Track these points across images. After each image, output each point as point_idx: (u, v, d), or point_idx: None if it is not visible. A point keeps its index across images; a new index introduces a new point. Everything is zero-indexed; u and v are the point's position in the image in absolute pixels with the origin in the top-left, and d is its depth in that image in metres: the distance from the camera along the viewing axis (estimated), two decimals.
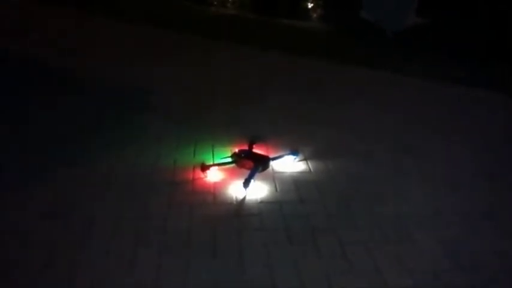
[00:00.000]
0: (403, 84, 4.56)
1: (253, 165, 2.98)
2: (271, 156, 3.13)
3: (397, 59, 5.12)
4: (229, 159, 3.07)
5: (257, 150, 3.19)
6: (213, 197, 2.79)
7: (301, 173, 3.07)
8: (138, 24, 5.92)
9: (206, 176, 2.94)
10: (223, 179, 2.94)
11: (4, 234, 2.47)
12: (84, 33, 5.60)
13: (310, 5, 6.31)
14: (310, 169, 3.11)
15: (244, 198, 2.79)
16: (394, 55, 5.21)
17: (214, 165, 3.01)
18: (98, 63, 4.72)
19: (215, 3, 6.67)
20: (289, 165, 3.12)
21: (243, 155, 3.08)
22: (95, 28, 5.78)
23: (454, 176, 3.14)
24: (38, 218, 2.59)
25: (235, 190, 2.84)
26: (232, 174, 2.97)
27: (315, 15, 6.31)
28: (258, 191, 2.85)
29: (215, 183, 2.90)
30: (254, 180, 2.88)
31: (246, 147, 3.19)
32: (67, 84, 4.24)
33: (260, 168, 2.99)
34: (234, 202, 2.76)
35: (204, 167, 2.96)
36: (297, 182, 2.97)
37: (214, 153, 3.19)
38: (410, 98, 4.29)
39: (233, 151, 3.13)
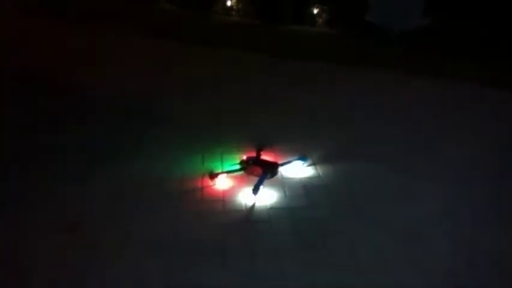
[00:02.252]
0: (411, 85, 4.55)
1: (262, 171, 2.98)
2: (279, 162, 3.14)
3: (404, 60, 5.11)
4: (238, 167, 3.08)
5: (265, 156, 3.20)
6: (222, 204, 2.80)
7: (310, 177, 3.07)
8: (141, 34, 5.94)
9: (215, 184, 2.95)
10: (232, 186, 2.95)
11: (15, 247, 2.49)
12: (88, 45, 5.64)
13: (315, 10, 6.33)
14: (319, 174, 3.11)
15: (253, 205, 2.79)
16: (400, 56, 5.21)
17: (223, 172, 3.02)
18: (102, 74, 4.76)
19: (219, 11, 6.72)
20: (298, 170, 3.12)
21: (251, 162, 3.08)
22: (98, 39, 5.82)
23: (466, 176, 3.12)
24: (48, 230, 2.61)
25: (245, 197, 2.85)
26: (241, 182, 2.98)
27: (320, 20, 6.32)
28: (268, 197, 2.86)
29: (224, 190, 2.91)
30: (263, 187, 2.88)
31: (254, 154, 3.20)
32: (73, 95, 4.27)
33: (269, 175, 2.99)
34: (244, 209, 2.76)
35: (213, 175, 2.98)
36: (306, 187, 2.97)
37: (223, 160, 3.21)
38: (418, 98, 4.28)
39: (241, 158, 3.15)
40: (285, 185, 2.99)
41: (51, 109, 3.99)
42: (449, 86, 4.50)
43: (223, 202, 2.82)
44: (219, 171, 3.05)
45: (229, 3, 6.70)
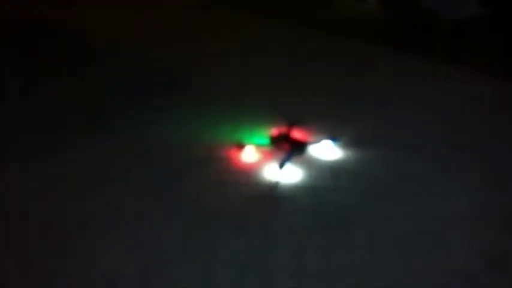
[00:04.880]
0: (456, 77, 4.37)
1: (290, 148, 2.97)
2: (309, 140, 3.10)
3: (453, 49, 4.91)
4: (267, 141, 3.07)
5: (295, 133, 3.18)
6: (247, 176, 2.80)
7: (338, 160, 3.03)
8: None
9: (242, 156, 2.96)
10: (259, 160, 2.95)
11: (38, 201, 2.58)
12: (122, 10, 5.54)
13: None
14: (348, 157, 3.06)
15: (278, 180, 2.78)
16: (450, 45, 5.00)
17: (251, 145, 3.02)
18: (134, 39, 4.72)
19: None
20: (326, 151, 3.08)
21: (281, 137, 3.07)
22: (132, 4, 5.70)
23: (502, 177, 2.99)
24: (70, 188, 2.68)
25: (270, 172, 2.84)
26: (268, 156, 2.97)
27: None
28: (293, 174, 2.84)
29: (250, 163, 2.92)
30: (290, 164, 2.87)
31: (284, 130, 3.18)
32: (102, 58, 4.26)
33: (297, 152, 2.98)
34: (268, 184, 2.76)
35: (241, 147, 2.99)
36: (333, 169, 2.93)
37: (252, 133, 3.19)
38: (462, 93, 4.11)
39: (271, 133, 3.13)
40: (311, 164, 2.95)
41: (73, 69, 4.03)
42: (497, 81, 4.30)
43: (248, 175, 2.82)
44: (248, 143, 3.05)
45: None
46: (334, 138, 3.13)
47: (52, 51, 4.28)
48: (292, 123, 3.24)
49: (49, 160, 2.89)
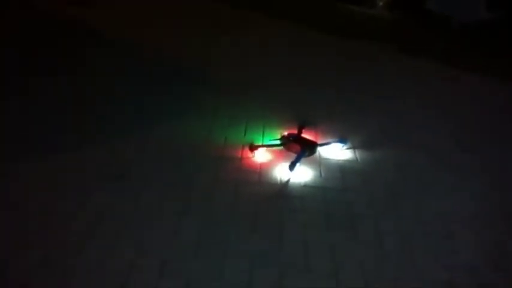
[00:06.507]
0: (464, 78, 4.43)
1: (300, 149, 3.04)
2: (319, 142, 3.18)
3: (460, 52, 4.97)
4: (278, 142, 3.15)
5: (306, 135, 3.25)
6: (258, 176, 2.88)
7: (348, 161, 3.10)
8: None
9: (254, 156, 3.04)
10: (270, 160, 3.03)
11: (64, 193, 2.65)
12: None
13: None
14: (357, 158, 3.14)
15: (288, 180, 2.86)
16: (457, 48, 5.06)
17: (262, 146, 3.10)
18: (155, 35, 4.81)
19: None
20: (336, 152, 3.15)
21: (291, 138, 3.14)
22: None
23: (506, 178, 3.07)
24: (97, 179, 2.76)
25: (281, 172, 2.92)
26: (279, 156, 3.05)
27: (380, 3, 6.19)
28: (303, 175, 2.92)
29: (262, 163, 2.99)
30: (300, 164, 2.94)
31: (295, 131, 3.25)
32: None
33: (307, 153, 3.05)
34: (279, 183, 2.84)
35: (253, 147, 3.06)
36: (343, 170, 3.00)
37: (264, 134, 3.28)
38: (470, 93, 4.17)
39: (282, 134, 3.21)
40: (321, 165, 3.03)
41: (101, 65, 4.13)
42: (502, 84, 4.35)
43: (259, 174, 2.90)
44: (259, 144, 3.13)
45: None
46: (343, 139, 3.21)
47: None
48: (302, 125, 3.32)
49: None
